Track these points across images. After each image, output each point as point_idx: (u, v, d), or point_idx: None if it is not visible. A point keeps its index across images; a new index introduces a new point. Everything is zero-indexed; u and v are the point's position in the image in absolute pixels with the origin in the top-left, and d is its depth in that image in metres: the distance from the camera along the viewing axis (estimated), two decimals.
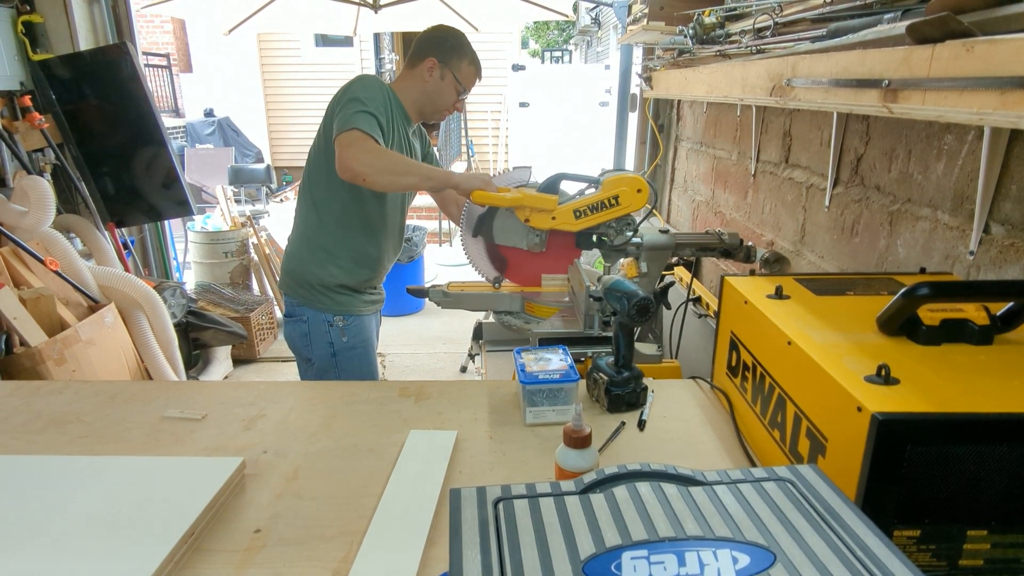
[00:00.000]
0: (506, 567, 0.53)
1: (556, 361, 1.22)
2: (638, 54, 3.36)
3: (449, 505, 0.63)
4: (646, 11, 2.50)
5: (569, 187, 1.75)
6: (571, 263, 1.81)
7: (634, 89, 3.51)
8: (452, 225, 7.47)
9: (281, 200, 8.29)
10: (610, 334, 1.53)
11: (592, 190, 1.69)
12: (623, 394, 1.21)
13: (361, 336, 1.84)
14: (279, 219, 5.64)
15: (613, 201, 1.65)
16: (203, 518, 0.88)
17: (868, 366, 0.79)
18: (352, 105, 1.57)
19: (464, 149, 8.94)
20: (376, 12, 4.11)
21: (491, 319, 2.93)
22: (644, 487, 0.63)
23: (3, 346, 2.22)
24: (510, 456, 1.09)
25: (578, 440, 0.84)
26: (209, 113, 8.59)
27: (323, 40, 9.41)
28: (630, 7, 2.91)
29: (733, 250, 1.74)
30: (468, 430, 1.16)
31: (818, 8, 1.45)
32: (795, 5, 1.59)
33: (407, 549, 0.84)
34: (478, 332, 2.82)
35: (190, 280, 4.30)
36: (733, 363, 1.18)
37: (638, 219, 1.72)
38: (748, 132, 2.19)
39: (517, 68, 8.16)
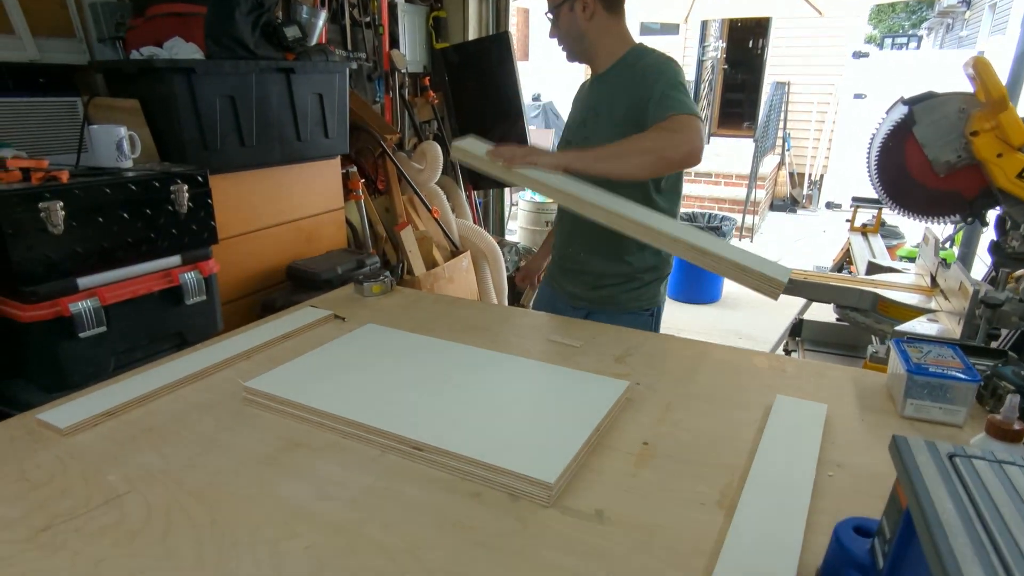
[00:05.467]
0: (979, 506, 0.55)
1: (948, 357, 1.13)
2: None
3: (890, 449, 0.67)
4: None
5: None
6: (936, 215, 1.63)
7: None
8: (755, 220, 7.12)
9: None
10: (993, 347, 1.36)
11: None
12: None
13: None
14: None
15: None
16: (605, 420, 1.05)
17: None
18: (683, 91, 1.47)
19: (780, 142, 8.37)
20: None
21: (811, 318, 2.77)
22: None
23: (400, 272, 2.83)
24: (887, 441, 1.05)
25: (1009, 433, 0.79)
26: (536, 97, 9.48)
27: (645, 29, 9.64)
28: None
29: None
30: (834, 408, 1.15)
31: None
32: None
33: (793, 494, 0.88)
34: (796, 329, 2.70)
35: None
36: None
37: None
38: None
39: (859, 56, 7.32)
